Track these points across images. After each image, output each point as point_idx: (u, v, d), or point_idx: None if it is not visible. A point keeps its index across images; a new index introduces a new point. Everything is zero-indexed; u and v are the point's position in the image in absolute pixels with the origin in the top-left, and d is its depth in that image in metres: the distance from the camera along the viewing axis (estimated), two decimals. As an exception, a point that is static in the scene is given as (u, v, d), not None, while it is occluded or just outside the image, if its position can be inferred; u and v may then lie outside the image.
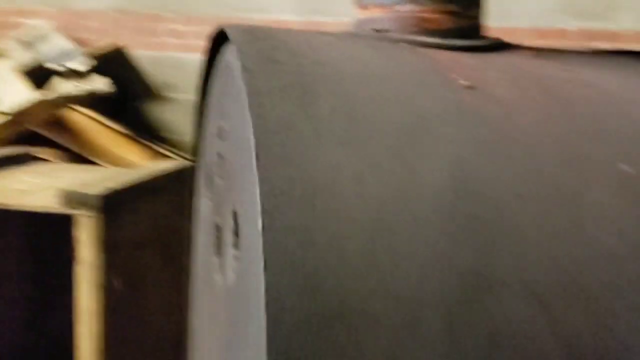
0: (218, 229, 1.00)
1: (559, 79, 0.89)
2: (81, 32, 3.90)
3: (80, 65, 3.34)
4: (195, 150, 1.28)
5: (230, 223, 0.86)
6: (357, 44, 0.88)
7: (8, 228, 2.26)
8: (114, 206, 1.78)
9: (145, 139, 3.48)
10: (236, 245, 0.82)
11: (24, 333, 2.49)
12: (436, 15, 0.94)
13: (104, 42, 3.80)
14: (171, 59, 4.05)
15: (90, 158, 3.31)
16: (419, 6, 0.94)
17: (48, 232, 2.49)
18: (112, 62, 3.68)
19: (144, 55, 3.98)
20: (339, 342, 0.60)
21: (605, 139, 0.81)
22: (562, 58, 0.99)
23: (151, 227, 2.04)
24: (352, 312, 0.61)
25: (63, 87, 3.19)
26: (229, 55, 0.89)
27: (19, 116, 2.96)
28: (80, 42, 3.73)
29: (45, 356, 2.52)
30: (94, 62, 3.42)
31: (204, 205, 1.17)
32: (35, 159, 2.41)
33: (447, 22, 0.95)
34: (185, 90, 4.13)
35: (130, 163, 3.18)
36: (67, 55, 3.37)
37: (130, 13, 3.98)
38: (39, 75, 3.24)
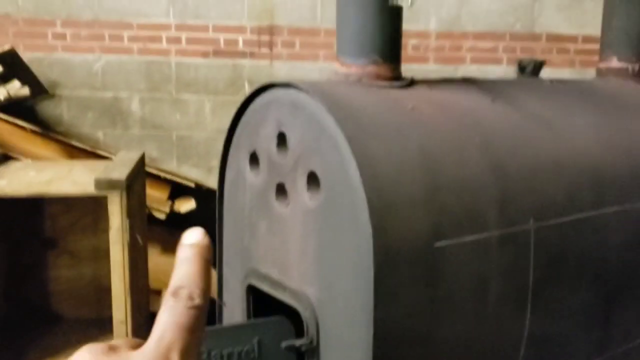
0: (280, 186, 1.87)
1: (448, 102, 1.91)
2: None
3: (-7, 71, 3.73)
4: (227, 147, 2.10)
5: (303, 180, 1.76)
6: (357, 90, 1.81)
7: None
8: (129, 186, 2.50)
9: (55, 135, 3.97)
10: (314, 188, 1.71)
11: (2, 303, 3.04)
12: (385, 71, 1.90)
13: (-3, 46, 4.15)
14: (57, 60, 4.51)
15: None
16: (377, 66, 1.89)
17: (19, 219, 3.04)
18: (6, 64, 4.07)
19: (31, 56, 4.40)
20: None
21: (474, 131, 1.85)
22: (442, 86, 2.01)
23: (137, 201, 2.76)
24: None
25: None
26: (304, 101, 1.75)
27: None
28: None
29: (23, 321, 3.09)
30: (-2, 66, 3.82)
31: (249, 178, 2.01)
32: None
33: (390, 73, 1.91)
34: (71, 87, 4.63)
35: (47, 159, 3.69)
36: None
37: (14, 17, 4.37)
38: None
